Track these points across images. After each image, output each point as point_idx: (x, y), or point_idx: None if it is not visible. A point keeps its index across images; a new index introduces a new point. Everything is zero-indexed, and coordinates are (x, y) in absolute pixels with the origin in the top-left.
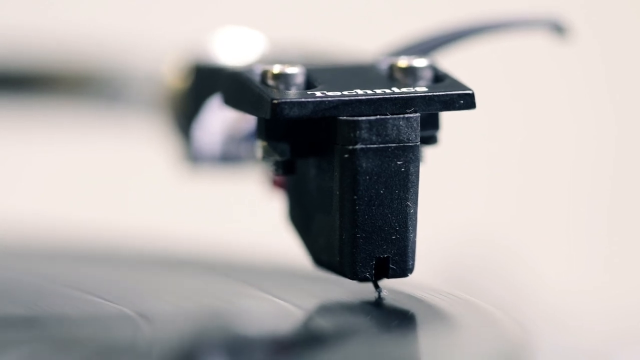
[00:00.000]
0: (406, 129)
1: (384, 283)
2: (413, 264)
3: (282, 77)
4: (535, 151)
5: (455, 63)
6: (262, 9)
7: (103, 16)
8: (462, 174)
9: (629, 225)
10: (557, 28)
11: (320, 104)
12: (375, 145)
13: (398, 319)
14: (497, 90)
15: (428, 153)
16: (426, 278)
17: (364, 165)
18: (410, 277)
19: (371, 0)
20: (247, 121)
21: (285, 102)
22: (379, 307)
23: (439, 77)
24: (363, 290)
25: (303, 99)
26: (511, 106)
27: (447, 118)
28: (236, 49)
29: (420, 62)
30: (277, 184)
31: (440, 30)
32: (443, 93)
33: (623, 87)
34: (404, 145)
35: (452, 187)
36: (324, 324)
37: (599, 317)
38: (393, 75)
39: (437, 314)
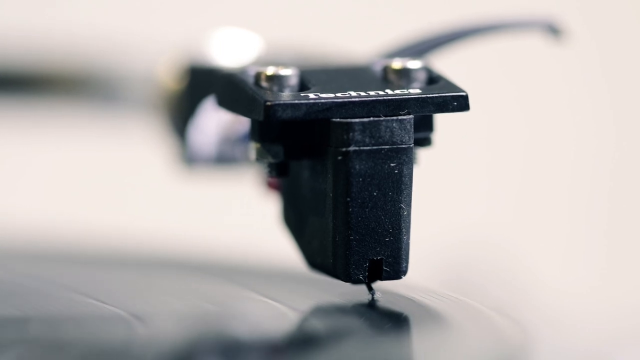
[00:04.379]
0: (399, 131)
1: (378, 285)
2: (406, 266)
3: (275, 79)
4: (532, 152)
5: (449, 65)
6: (257, 11)
7: (100, 17)
8: (459, 175)
9: (628, 225)
10: (553, 29)
11: (313, 105)
12: (368, 148)
13: (392, 321)
14: (491, 92)
15: (423, 155)
16: (423, 280)
17: (357, 167)
18: (405, 278)
19: (365, 2)
20: (242, 123)
21: (279, 104)
22: (373, 309)
23: (432, 79)
24: (357, 293)
25: (296, 101)
26: (505, 108)
27: (441, 120)
28: (232, 51)
29: (414, 64)
30: (271, 185)
31: (434, 32)
32: (437, 95)
33: (620, 89)
34: (397, 148)
35: (449, 189)
36: (317, 326)
37: (597, 318)
38: (387, 77)
39: (432, 316)
